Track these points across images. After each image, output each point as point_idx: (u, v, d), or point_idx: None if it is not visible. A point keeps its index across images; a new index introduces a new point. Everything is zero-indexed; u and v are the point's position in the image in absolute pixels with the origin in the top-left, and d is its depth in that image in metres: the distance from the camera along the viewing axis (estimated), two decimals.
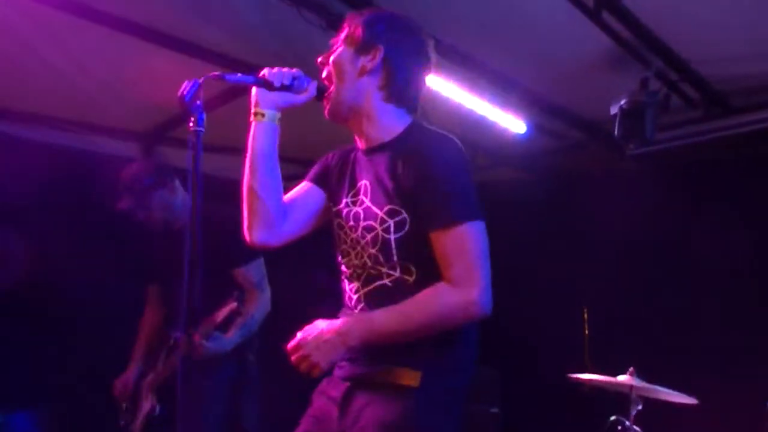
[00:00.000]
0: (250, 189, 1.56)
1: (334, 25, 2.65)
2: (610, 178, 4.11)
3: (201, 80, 1.39)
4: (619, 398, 2.75)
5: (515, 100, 3.41)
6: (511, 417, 3.73)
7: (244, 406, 2.57)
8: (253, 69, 2.97)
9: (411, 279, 1.43)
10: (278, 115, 1.56)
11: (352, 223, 1.53)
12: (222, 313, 2.37)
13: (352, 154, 1.63)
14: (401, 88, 1.54)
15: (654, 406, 2.74)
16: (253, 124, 1.56)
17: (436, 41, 2.83)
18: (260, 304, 2.53)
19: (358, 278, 1.51)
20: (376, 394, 1.42)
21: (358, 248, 1.51)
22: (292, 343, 1.41)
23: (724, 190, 3.70)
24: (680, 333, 3.61)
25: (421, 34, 1.58)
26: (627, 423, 2.65)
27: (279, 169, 1.58)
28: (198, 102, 1.52)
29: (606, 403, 2.89)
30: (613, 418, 2.69)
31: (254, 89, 1.55)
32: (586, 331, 3.56)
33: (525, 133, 3.62)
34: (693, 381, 2.72)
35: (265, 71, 1.55)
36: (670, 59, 2.96)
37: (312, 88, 1.55)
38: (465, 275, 1.36)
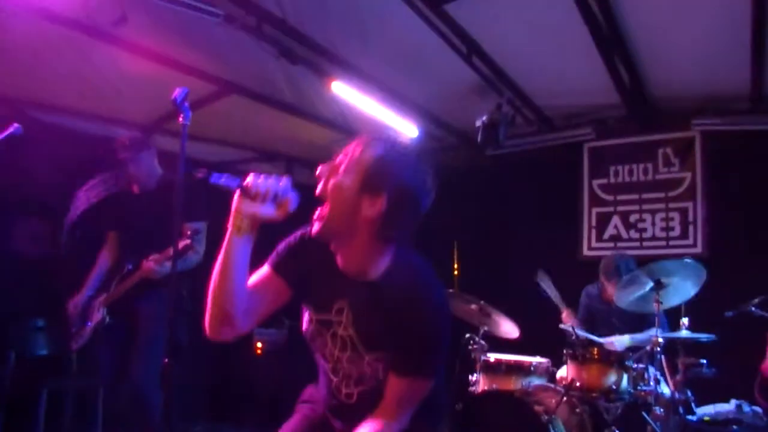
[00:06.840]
0: (220, 291, 1.45)
1: (285, 54, 3.25)
2: (474, 171, 4.79)
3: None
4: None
5: (411, 112, 4.03)
6: None
7: (179, 328, 2.89)
8: (218, 83, 3.64)
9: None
10: (255, 226, 1.44)
11: (339, 345, 1.52)
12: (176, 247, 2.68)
13: (331, 262, 1.51)
14: (393, 235, 1.46)
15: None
16: (229, 234, 1.44)
17: (354, 68, 3.44)
18: (195, 254, 2.95)
19: (344, 378, 1.55)
20: None
21: (341, 364, 1.54)
22: None
23: (548, 181, 4.56)
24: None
25: (424, 182, 1.47)
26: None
27: (247, 274, 1.48)
28: (186, 104, 1.82)
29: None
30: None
31: (236, 195, 1.45)
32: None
33: (417, 136, 4.16)
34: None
35: (249, 179, 1.43)
36: (516, 92, 3.78)
37: (293, 202, 1.45)
38: (403, 416, 1.48)
